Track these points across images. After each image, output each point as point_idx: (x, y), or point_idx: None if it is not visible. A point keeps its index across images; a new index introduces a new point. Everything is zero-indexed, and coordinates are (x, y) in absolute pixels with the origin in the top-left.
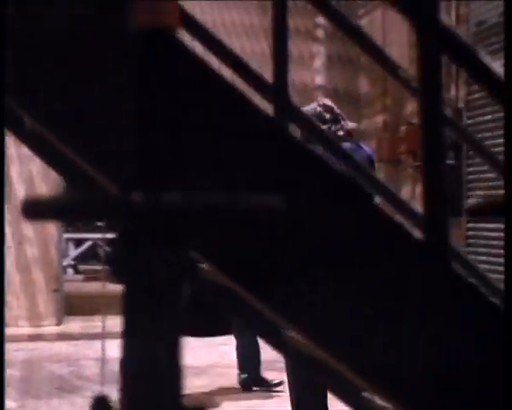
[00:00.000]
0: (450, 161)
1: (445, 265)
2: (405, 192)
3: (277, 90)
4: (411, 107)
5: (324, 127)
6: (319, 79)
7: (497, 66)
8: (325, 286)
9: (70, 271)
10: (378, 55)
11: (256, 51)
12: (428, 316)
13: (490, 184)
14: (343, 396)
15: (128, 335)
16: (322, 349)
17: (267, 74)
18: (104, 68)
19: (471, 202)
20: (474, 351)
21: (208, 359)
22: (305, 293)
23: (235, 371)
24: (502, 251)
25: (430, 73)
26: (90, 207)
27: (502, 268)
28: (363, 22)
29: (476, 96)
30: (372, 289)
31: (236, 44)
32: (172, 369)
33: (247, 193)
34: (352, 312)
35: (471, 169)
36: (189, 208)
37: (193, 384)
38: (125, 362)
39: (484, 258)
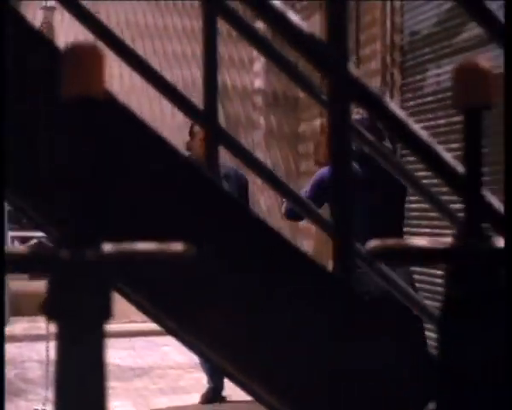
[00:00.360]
0: None
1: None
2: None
3: (207, 115)
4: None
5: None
6: (258, 83)
7: (399, 110)
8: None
9: None
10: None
11: (197, 54)
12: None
13: (420, 173)
14: None
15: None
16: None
17: None
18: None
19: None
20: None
21: (150, 360)
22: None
23: (174, 373)
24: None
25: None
26: (29, 261)
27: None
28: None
29: (411, 103)
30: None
31: (178, 48)
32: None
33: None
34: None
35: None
36: (114, 260)
37: (133, 386)
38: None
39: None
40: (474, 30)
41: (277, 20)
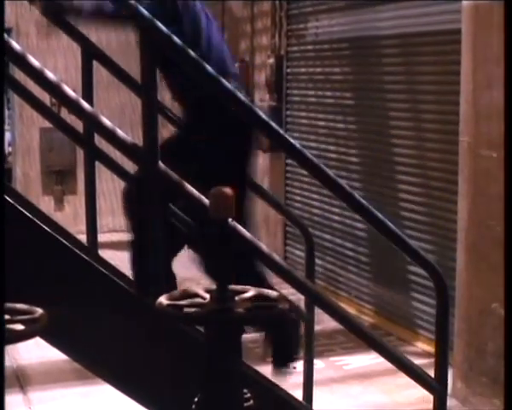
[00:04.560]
0: (272, 103)
1: None
2: None
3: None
4: (245, 44)
5: None
6: None
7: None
8: None
9: None
10: None
11: None
12: None
13: (305, 121)
14: None
15: None
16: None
17: None
18: None
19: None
20: None
21: None
22: None
23: None
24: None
25: None
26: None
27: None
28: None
29: (294, 48)
30: None
31: None
32: None
33: None
34: None
35: (289, 112)
36: None
37: None
38: None
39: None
40: None
41: None
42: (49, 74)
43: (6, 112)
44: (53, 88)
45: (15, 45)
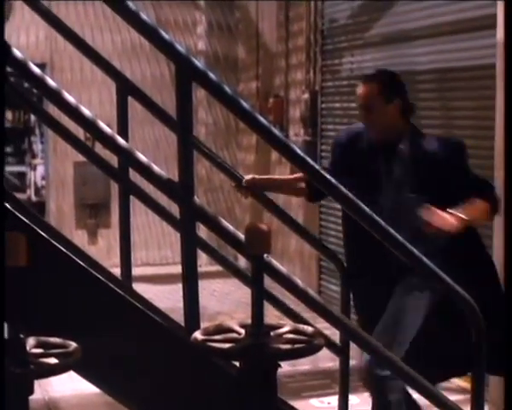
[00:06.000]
0: (307, 138)
1: None
2: (275, 157)
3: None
4: (280, 80)
5: None
6: (201, 45)
7: None
8: None
9: None
10: None
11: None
12: None
13: None
14: None
15: None
16: None
17: None
18: None
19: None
20: None
21: None
22: None
23: None
24: None
25: None
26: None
27: None
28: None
29: (329, 84)
30: None
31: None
32: None
33: None
34: None
35: (324, 147)
36: None
37: None
38: None
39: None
40: (383, 27)
41: None
42: (85, 110)
43: (39, 145)
44: (88, 124)
45: (50, 81)
